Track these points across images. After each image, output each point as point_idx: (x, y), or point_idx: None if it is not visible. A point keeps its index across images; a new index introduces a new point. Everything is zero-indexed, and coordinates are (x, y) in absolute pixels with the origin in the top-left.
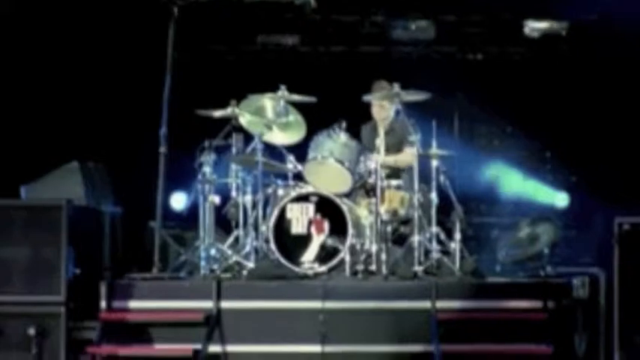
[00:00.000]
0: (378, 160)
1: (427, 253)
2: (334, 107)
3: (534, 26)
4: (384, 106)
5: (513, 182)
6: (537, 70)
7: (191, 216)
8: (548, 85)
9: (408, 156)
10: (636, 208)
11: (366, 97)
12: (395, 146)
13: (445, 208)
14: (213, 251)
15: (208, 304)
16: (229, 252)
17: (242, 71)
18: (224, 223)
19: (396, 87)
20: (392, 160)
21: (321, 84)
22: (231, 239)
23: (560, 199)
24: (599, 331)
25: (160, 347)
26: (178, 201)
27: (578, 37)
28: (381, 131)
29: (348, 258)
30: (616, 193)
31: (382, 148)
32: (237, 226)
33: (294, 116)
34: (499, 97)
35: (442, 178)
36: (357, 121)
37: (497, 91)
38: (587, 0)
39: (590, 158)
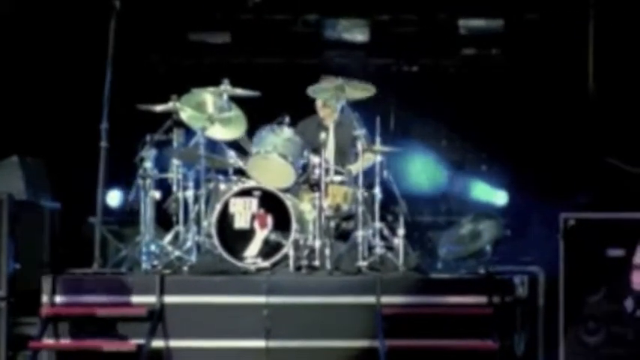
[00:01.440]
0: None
1: (371, 248)
2: (274, 103)
3: (469, 24)
4: (329, 104)
5: (451, 180)
6: (472, 81)
7: (130, 211)
8: (482, 92)
9: (371, 160)
10: (572, 205)
11: (312, 92)
12: (342, 142)
13: (388, 203)
14: (153, 247)
15: (151, 299)
16: (170, 248)
17: (179, 68)
18: (164, 219)
19: (340, 81)
20: (358, 166)
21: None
22: (171, 235)
23: (499, 197)
24: (537, 331)
25: (104, 342)
26: (114, 198)
27: (515, 37)
28: (331, 127)
29: (291, 253)
30: (553, 191)
31: (331, 144)
32: (177, 221)
33: (235, 111)
34: (434, 103)
35: (385, 173)
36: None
37: (433, 98)
38: None
39: (525, 158)
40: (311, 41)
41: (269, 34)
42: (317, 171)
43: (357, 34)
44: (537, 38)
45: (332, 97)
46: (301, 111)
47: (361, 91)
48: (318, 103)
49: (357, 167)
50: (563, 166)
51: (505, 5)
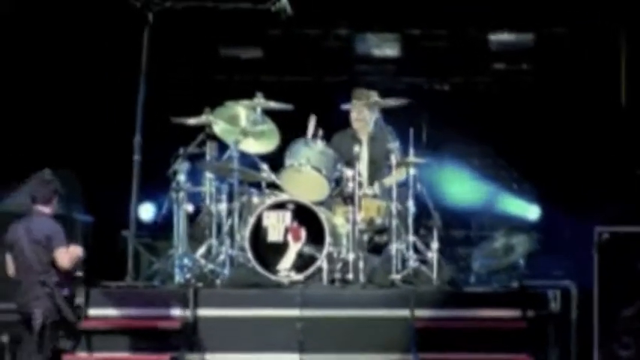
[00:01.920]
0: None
1: (404, 261)
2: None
3: (499, 39)
4: (362, 111)
5: (484, 195)
6: (503, 97)
7: (163, 225)
8: (514, 107)
9: (404, 174)
10: (605, 218)
11: (346, 106)
12: (376, 155)
13: (422, 216)
14: (186, 260)
15: (185, 312)
16: (203, 261)
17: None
18: (197, 232)
19: (374, 95)
20: (392, 180)
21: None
22: (203, 248)
23: (532, 212)
24: (570, 346)
25: (137, 355)
26: (147, 211)
27: (545, 51)
28: (365, 140)
29: (325, 266)
30: (586, 205)
31: (365, 157)
32: (210, 234)
33: (268, 125)
34: (466, 119)
35: (419, 186)
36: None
37: (465, 114)
38: (554, 11)
39: (558, 171)
40: (342, 56)
41: (300, 49)
42: (350, 184)
43: (387, 48)
44: (568, 52)
45: (366, 109)
46: (333, 126)
47: (394, 102)
48: (353, 115)
49: (390, 180)
50: (596, 180)
51: (535, 19)
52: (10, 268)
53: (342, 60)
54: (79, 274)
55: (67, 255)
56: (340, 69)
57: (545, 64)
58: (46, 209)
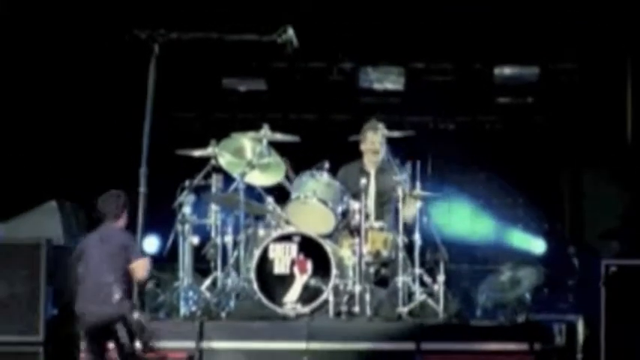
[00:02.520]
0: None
1: (411, 294)
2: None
3: (504, 73)
4: (374, 142)
5: (489, 228)
6: (508, 134)
7: (168, 257)
8: (519, 143)
9: (413, 209)
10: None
11: (355, 137)
12: (383, 187)
13: (428, 249)
14: (191, 292)
15: (190, 345)
16: (208, 293)
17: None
18: (202, 265)
19: (382, 126)
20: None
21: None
22: (209, 281)
23: (537, 246)
24: None
25: None
26: (151, 244)
27: (550, 86)
28: (372, 172)
29: (331, 299)
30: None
31: (372, 190)
32: (215, 267)
33: (274, 157)
34: (471, 155)
35: (425, 219)
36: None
37: (470, 151)
38: (560, 46)
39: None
40: (346, 90)
41: (304, 82)
42: (357, 216)
43: (392, 82)
44: (573, 87)
45: (378, 140)
46: (339, 158)
47: (401, 133)
48: (366, 146)
49: (409, 214)
50: (602, 214)
51: (541, 53)
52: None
53: (346, 94)
54: (150, 285)
55: (144, 266)
56: (344, 103)
57: (551, 99)
58: (118, 224)
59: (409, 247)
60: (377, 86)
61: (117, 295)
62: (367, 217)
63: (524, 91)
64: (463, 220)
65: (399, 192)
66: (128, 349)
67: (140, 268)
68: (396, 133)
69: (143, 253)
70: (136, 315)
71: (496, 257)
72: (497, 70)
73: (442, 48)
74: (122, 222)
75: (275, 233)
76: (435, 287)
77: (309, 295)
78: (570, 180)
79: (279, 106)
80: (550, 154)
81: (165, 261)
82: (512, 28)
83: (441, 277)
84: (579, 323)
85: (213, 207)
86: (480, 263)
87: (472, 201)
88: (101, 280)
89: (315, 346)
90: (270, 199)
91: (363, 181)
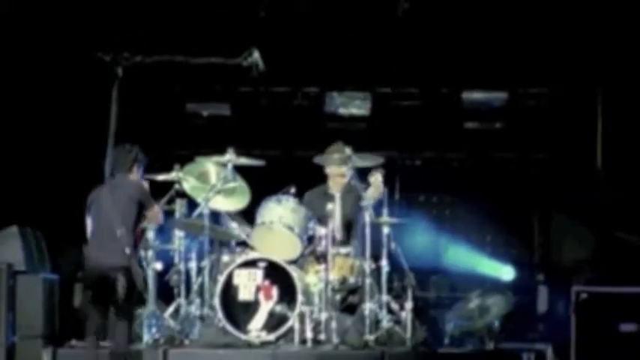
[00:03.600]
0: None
1: (378, 322)
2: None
3: (472, 97)
4: (344, 174)
5: (457, 255)
6: (475, 170)
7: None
8: (487, 173)
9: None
10: (583, 280)
11: (319, 160)
12: (349, 211)
13: (396, 276)
14: (154, 320)
15: None
16: (172, 321)
17: (180, 137)
18: (165, 291)
19: (348, 151)
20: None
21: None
22: (172, 308)
23: (506, 273)
24: None
25: None
26: None
27: (519, 111)
28: (337, 197)
29: (297, 326)
30: (563, 266)
31: (338, 215)
32: (179, 294)
33: (239, 182)
34: (439, 187)
35: (393, 245)
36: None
37: (437, 184)
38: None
39: (534, 233)
40: (312, 114)
41: (269, 106)
42: (323, 242)
43: (358, 107)
44: (542, 112)
45: (340, 163)
46: (305, 182)
47: (369, 160)
48: (334, 177)
49: (371, 194)
50: (572, 240)
51: (509, 78)
52: (89, 230)
53: (311, 119)
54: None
55: (158, 213)
56: (310, 127)
57: (519, 124)
58: (129, 177)
59: (377, 274)
60: (342, 111)
61: (128, 248)
62: (334, 242)
63: (493, 116)
64: (431, 247)
65: (366, 216)
66: (121, 300)
67: (155, 217)
68: (364, 162)
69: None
70: (138, 268)
71: (465, 285)
72: (465, 95)
73: (409, 72)
74: (134, 176)
75: (240, 259)
76: (403, 314)
77: (274, 322)
78: (540, 208)
79: (243, 131)
80: (519, 182)
81: None
82: (481, 52)
83: (408, 304)
84: (548, 352)
85: (177, 232)
86: (449, 291)
87: (440, 228)
88: (113, 231)
89: None
90: (235, 225)
91: (329, 205)
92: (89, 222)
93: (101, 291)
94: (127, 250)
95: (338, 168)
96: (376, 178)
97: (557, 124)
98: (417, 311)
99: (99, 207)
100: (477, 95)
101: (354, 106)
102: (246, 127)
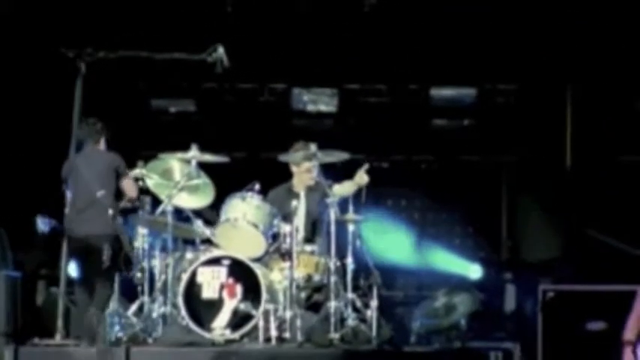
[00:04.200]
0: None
1: (343, 320)
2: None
3: (440, 94)
4: (311, 170)
5: (425, 253)
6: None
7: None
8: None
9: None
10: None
11: (283, 157)
12: (313, 209)
13: (361, 274)
14: (117, 318)
15: None
16: (134, 319)
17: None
18: (129, 289)
19: (314, 147)
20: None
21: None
22: (135, 306)
23: (474, 271)
24: None
25: None
26: (73, 268)
27: (488, 108)
28: (302, 194)
29: (261, 324)
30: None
31: (302, 212)
32: (142, 292)
33: (203, 179)
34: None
35: (358, 243)
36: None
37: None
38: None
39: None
40: (278, 111)
41: (235, 102)
42: (288, 239)
43: (325, 104)
44: (511, 109)
45: (305, 160)
46: (270, 180)
47: (333, 156)
48: (301, 174)
49: (342, 190)
50: (541, 238)
51: (478, 75)
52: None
53: (277, 115)
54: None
55: (133, 183)
56: (276, 124)
57: (488, 122)
58: (99, 147)
59: (342, 271)
60: (310, 108)
61: (111, 211)
62: (299, 240)
63: (461, 113)
64: (398, 245)
65: (331, 214)
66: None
67: (130, 186)
68: (330, 156)
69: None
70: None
71: (432, 283)
72: (433, 92)
73: (377, 69)
74: (102, 146)
75: (203, 257)
76: (368, 313)
77: (238, 320)
78: (507, 206)
79: (208, 127)
80: (487, 182)
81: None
82: (449, 48)
83: (374, 303)
84: (516, 351)
85: (141, 230)
86: (416, 289)
87: (407, 226)
88: (94, 197)
89: None
90: (199, 222)
91: (294, 202)
92: (68, 194)
93: (86, 262)
94: (110, 212)
95: (305, 164)
96: (362, 177)
97: (526, 121)
98: (383, 310)
99: (76, 176)
100: (445, 92)
101: (321, 102)
102: (212, 124)
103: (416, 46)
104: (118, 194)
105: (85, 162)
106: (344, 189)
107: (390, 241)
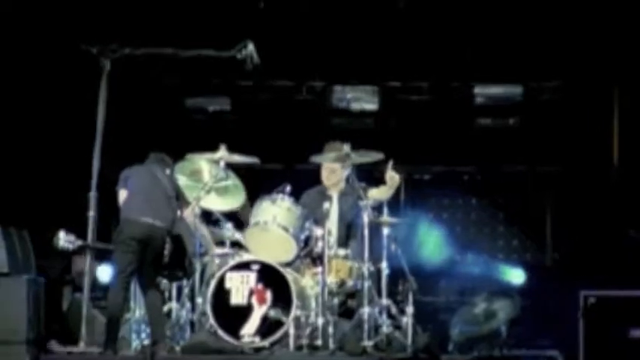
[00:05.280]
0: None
1: (377, 327)
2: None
3: (485, 92)
4: (335, 170)
5: (467, 258)
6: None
7: None
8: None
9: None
10: (593, 282)
11: (316, 158)
12: (346, 212)
13: (396, 279)
14: (143, 325)
15: None
16: None
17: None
18: None
19: (347, 148)
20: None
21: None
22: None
23: (516, 277)
24: None
25: None
26: (105, 272)
27: (534, 106)
28: (334, 197)
29: (292, 331)
30: (573, 268)
31: (334, 215)
32: (170, 298)
33: (233, 181)
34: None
35: (393, 247)
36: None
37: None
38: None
39: (545, 233)
40: (316, 110)
41: (271, 100)
42: (320, 243)
43: (366, 102)
44: (558, 106)
45: (336, 160)
46: (305, 182)
47: (368, 157)
48: (324, 172)
49: (379, 194)
50: (584, 242)
51: (524, 72)
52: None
53: (316, 114)
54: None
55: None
56: (314, 123)
57: (534, 120)
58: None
59: (376, 277)
60: (349, 106)
61: (179, 212)
62: (332, 244)
63: (506, 112)
64: (437, 248)
65: (365, 217)
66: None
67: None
68: (363, 158)
69: None
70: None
71: (474, 289)
72: (477, 89)
73: (418, 65)
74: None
75: (232, 261)
76: (403, 320)
77: (268, 327)
78: (552, 210)
79: (243, 127)
80: (532, 187)
81: None
82: (494, 43)
83: (409, 309)
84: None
85: None
86: (458, 294)
87: (449, 228)
88: (168, 195)
89: None
90: (229, 225)
91: (326, 205)
92: (123, 193)
93: (145, 251)
94: (178, 213)
95: (328, 164)
96: (392, 177)
97: (571, 121)
98: (423, 316)
99: (148, 176)
100: (490, 89)
101: (363, 100)
102: (246, 123)
103: (458, 42)
104: None
105: (157, 170)
106: (381, 193)
107: (431, 245)
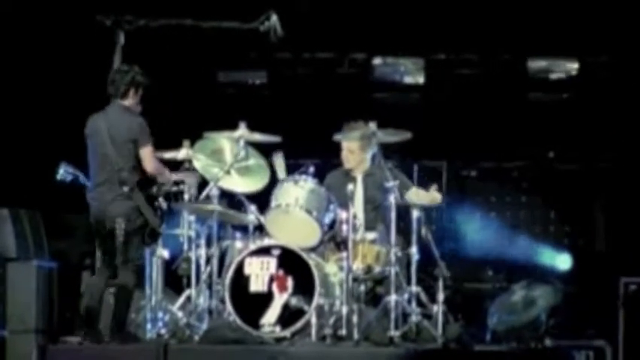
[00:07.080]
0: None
1: (405, 316)
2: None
3: (538, 66)
4: (354, 151)
5: (514, 243)
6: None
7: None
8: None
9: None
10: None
11: (338, 137)
12: (372, 194)
13: (427, 265)
14: (160, 313)
15: None
16: (179, 313)
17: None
18: (174, 281)
19: (373, 126)
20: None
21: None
22: (182, 299)
23: (562, 262)
24: None
25: None
26: None
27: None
28: (359, 178)
29: (314, 320)
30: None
31: (360, 197)
32: (188, 284)
33: (256, 160)
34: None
35: (424, 230)
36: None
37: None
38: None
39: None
40: (358, 84)
41: (310, 74)
42: (345, 227)
43: (410, 75)
44: (611, 82)
45: (356, 145)
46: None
47: (396, 136)
48: (343, 153)
49: (416, 197)
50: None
51: (577, 46)
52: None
53: (358, 88)
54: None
55: (154, 158)
56: (356, 98)
57: (588, 95)
58: (125, 102)
59: (405, 262)
60: (397, 78)
61: (126, 187)
62: (358, 227)
63: (560, 87)
64: (485, 233)
65: (391, 200)
66: (120, 245)
67: (147, 157)
68: (390, 137)
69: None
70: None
71: (521, 275)
72: (531, 63)
73: (467, 37)
74: (130, 101)
75: (251, 246)
76: (434, 308)
77: (289, 316)
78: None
79: (279, 103)
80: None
81: None
82: (547, 14)
83: (440, 297)
84: (607, 350)
85: (186, 217)
86: (505, 281)
87: (495, 212)
88: (111, 168)
89: None
90: (253, 208)
91: (350, 187)
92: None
93: (104, 241)
94: (125, 189)
95: (348, 144)
96: (434, 198)
97: (623, 98)
98: (454, 304)
99: (95, 143)
100: (543, 63)
101: (405, 74)
102: (283, 98)
103: (510, 12)
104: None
105: (106, 124)
106: (418, 197)
107: (477, 230)
